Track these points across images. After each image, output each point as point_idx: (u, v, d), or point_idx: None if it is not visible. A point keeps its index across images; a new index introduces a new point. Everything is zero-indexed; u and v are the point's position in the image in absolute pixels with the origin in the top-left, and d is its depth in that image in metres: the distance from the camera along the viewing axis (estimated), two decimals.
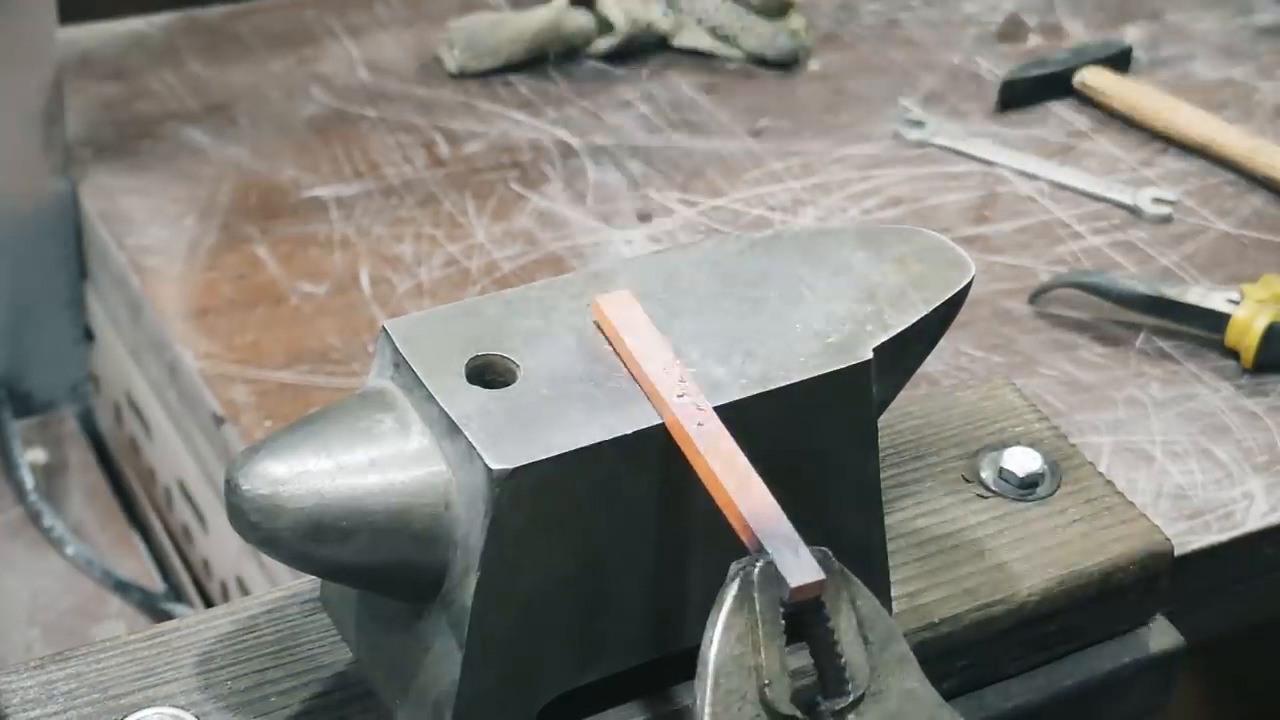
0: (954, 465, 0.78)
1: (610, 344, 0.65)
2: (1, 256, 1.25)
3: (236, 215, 1.23)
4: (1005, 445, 0.78)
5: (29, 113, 1.21)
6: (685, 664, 0.59)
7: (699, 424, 0.62)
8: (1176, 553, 0.76)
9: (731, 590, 0.59)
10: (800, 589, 0.59)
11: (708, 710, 0.58)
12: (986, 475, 0.77)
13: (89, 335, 1.30)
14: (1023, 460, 0.77)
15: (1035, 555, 0.74)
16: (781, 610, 0.59)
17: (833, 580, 0.60)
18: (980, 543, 0.74)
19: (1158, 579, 0.76)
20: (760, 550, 0.59)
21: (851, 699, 0.60)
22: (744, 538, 0.60)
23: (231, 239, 1.21)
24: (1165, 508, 1.04)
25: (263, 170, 1.28)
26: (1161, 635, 0.77)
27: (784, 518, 0.60)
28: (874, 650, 0.61)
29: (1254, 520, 1.04)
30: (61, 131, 1.23)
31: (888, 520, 0.71)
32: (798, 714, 0.59)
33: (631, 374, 0.63)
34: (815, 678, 0.61)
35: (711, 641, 0.58)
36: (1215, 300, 1.16)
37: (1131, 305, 1.18)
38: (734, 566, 0.59)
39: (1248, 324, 1.14)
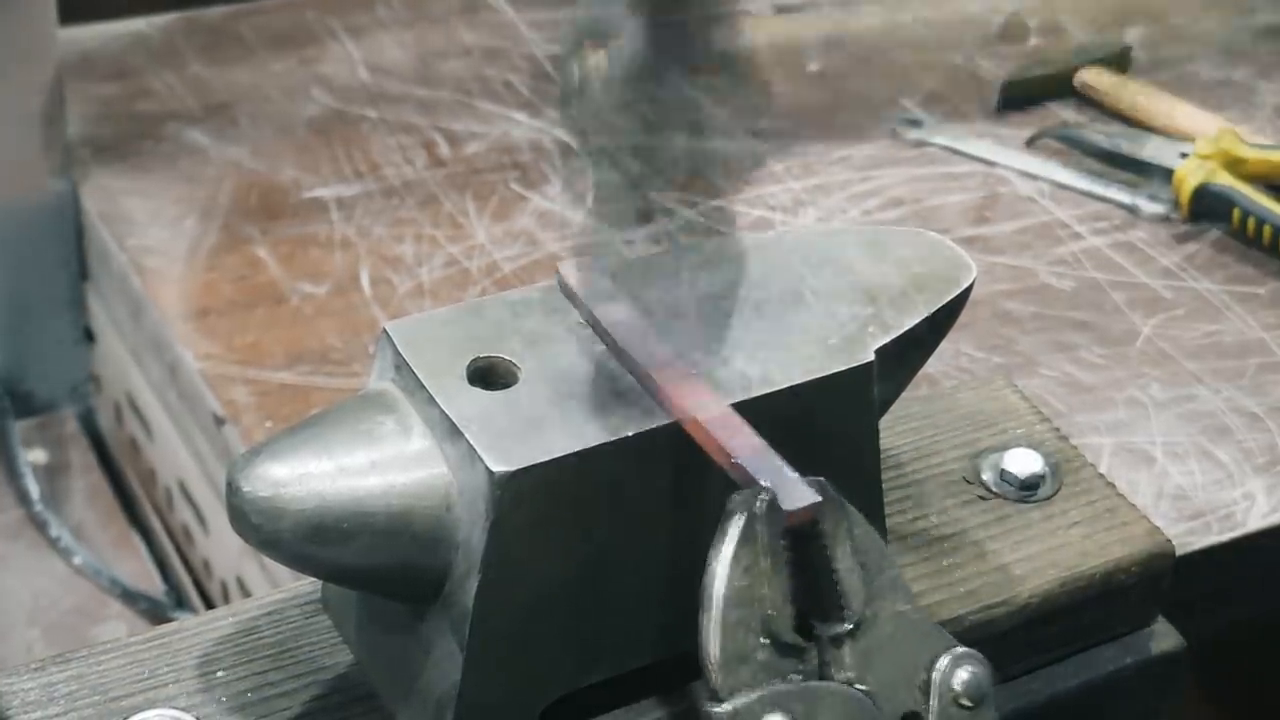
0: (955, 467, 0.77)
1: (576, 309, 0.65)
2: (2, 257, 1.24)
3: (237, 216, 1.23)
4: (1006, 446, 0.78)
5: (29, 113, 1.21)
6: (690, 664, 0.59)
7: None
8: (1178, 554, 0.76)
9: (737, 523, 0.58)
10: (796, 513, 0.59)
11: (715, 643, 0.58)
12: (987, 477, 0.77)
13: (89, 336, 1.30)
14: (1024, 461, 0.77)
15: (1036, 557, 0.74)
16: (783, 542, 0.59)
17: (830, 506, 0.59)
18: (981, 544, 0.74)
19: (1159, 580, 0.75)
20: (752, 483, 0.59)
21: (848, 625, 0.60)
22: (734, 475, 0.60)
23: (232, 239, 1.21)
24: (1166, 509, 1.04)
25: (263, 171, 1.28)
26: (1163, 637, 0.77)
27: (773, 452, 0.60)
28: (869, 576, 0.60)
29: (1255, 521, 1.04)
30: (61, 132, 1.23)
31: (888, 522, 0.71)
32: (801, 641, 0.59)
33: (615, 348, 0.63)
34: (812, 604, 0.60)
35: (716, 575, 0.58)
36: (1167, 155, 1.29)
37: (1095, 157, 1.31)
38: (735, 500, 0.59)
39: (1184, 178, 1.27)
